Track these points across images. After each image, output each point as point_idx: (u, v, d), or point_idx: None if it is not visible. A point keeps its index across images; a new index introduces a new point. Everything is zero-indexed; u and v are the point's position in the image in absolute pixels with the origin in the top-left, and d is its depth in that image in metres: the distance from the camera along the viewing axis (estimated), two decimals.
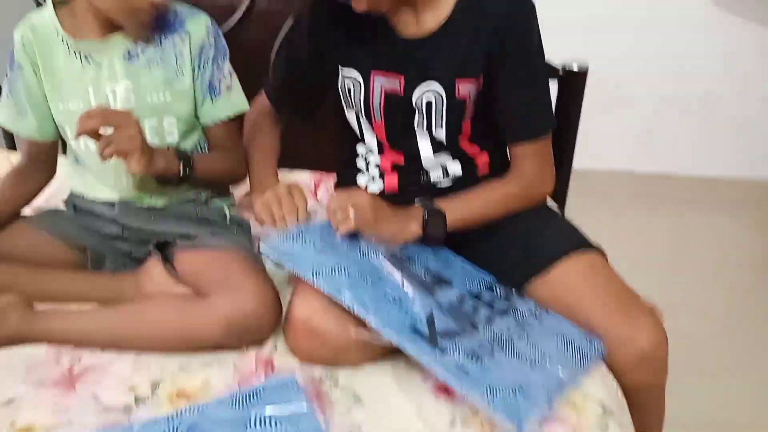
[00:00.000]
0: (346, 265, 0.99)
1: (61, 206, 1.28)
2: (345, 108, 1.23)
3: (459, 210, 1.12)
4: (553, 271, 1.09)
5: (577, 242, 1.13)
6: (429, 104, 1.13)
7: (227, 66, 1.18)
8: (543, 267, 1.09)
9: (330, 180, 1.55)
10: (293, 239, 1.03)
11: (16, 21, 1.14)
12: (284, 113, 1.31)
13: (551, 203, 1.46)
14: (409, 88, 1.13)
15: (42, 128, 1.17)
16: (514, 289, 1.10)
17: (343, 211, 1.04)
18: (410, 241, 1.10)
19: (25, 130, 1.17)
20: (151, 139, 1.13)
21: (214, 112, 1.18)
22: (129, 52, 1.12)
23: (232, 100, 1.19)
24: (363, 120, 1.21)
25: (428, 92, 1.13)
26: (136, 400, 0.94)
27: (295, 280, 1.09)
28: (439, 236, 1.11)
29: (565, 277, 1.08)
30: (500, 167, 1.23)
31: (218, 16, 1.56)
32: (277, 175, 1.25)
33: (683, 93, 2.53)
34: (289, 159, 1.60)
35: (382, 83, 1.14)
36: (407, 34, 1.11)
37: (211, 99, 1.17)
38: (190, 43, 1.13)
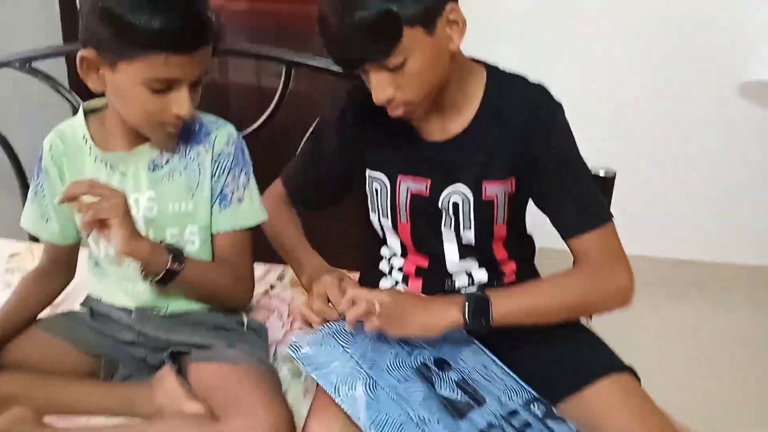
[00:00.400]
0: (370, 377, 0.98)
1: (77, 308, 1.27)
2: (370, 210, 1.21)
3: (509, 299, 1.04)
4: (587, 392, 1.05)
5: (612, 364, 1.08)
6: (456, 205, 1.12)
7: (244, 179, 1.17)
8: (578, 387, 1.05)
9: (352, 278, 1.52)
10: (322, 342, 1.03)
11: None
12: (297, 204, 1.30)
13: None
14: (435, 190, 1.12)
15: (63, 233, 1.18)
16: (554, 408, 1.04)
17: (366, 303, 1.01)
18: (448, 330, 1.03)
19: (46, 234, 1.18)
20: None
21: (219, 221, 1.16)
22: (154, 162, 1.12)
23: (239, 214, 1.17)
24: (387, 222, 1.19)
25: (455, 194, 1.11)
26: None
27: (314, 393, 1.08)
28: (483, 328, 1.02)
29: (600, 399, 1.04)
30: (527, 276, 1.20)
31: (246, 117, 1.61)
32: (318, 255, 1.25)
33: (706, 180, 2.52)
34: None
35: (409, 185, 1.13)
36: (432, 138, 1.11)
37: (220, 207, 1.15)
38: (212, 152, 1.13)
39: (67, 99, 1.63)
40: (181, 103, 1.01)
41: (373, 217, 1.21)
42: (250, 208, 1.17)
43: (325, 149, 1.22)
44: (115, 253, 1.03)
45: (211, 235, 1.18)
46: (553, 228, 1.13)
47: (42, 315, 1.23)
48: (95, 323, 1.21)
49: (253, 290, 1.24)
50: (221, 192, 1.15)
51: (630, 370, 1.09)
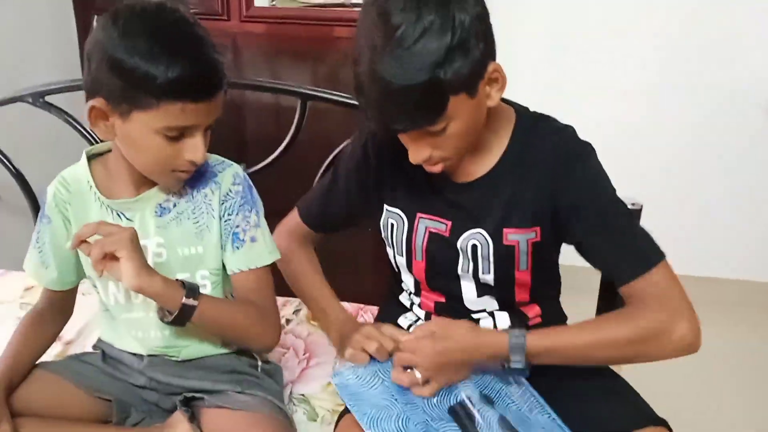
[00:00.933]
0: (404, 413, 1.00)
1: (89, 346, 1.25)
2: (387, 244, 1.18)
3: (548, 339, 1.00)
4: None
5: (647, 416, 1.03)
6: (474, 247, 1.08)
7: (254, 218, 1.13)
8: None
9: (368, 313, 1.49)
10: (363, 374, 1.08)
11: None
12: (312, 228, 1.29)
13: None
14: (455, 232, 1.09)
15: (62, 279, 1.15)
16: None
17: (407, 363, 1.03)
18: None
19: (45, 280, 1.16)
20: None
21: (234, 261, 1.13)
22: (161, 207, 1.10)
23: (254, 253, 1.13)
24: (402, 260, 1.16)
25: (474, 238, 1.08)
26: None
27: None
28: (522, 371, 1.02)
29: None
30: (552, 318, 1.16)
31: (261, 148, 1.59)
32: (344, 308, 1.28)
33: (732, 197, 2.48)
34: None
35: (428, 225, 1.10)
36: (456, 180, 1.08)
37: (233, 248, 1.12)
38: (219, 193, 1.11)
39: (82, 134, 1.62)
40: (196, 149, 0.99)
41: (390, 252, 1.19)
42: (264, 246, 1.14)
43: (343, 182, 1.20)
44: (126, 288, 1.01)
45: (225, 277, 1.15)
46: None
47: (52, 356, 1.21)
48: (107, 366, 1.18)
49: (279, 326, 1.19)
50: (233, 232, 1.12)
51: (664, 423, 1.04)
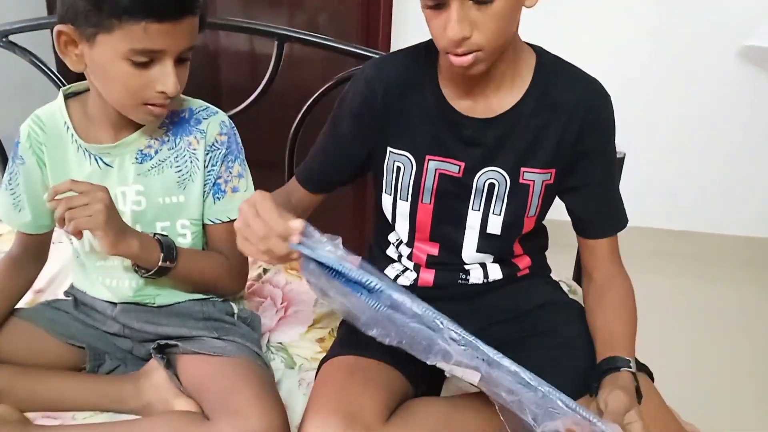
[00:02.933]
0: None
1: (60, 295, 1.22)
2: (383, 191, 1.14)
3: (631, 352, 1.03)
4: (601, 393, 0.99)
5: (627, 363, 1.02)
6: (491, 186, 1.07)
7: (237, 167, 1.11)
8: (581, 394, 1.00)
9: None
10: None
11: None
12: (307, 186, 1.19)
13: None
14: (469, 171, 1.07)
15: (36, 223, 1.11)
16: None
17: None
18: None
19: (18, 223, 1.12)
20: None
21: (213, 211, 1.11)
22: (142, 152, 1.06)
23: (234, 203, 1.10)
24: (404, 205, 1.12)
25: (491, 176, 1.07)
26: None
27: (311, 389, 1.03)
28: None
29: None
30: (539, 269, 1.19)
31: (236, 95, 1.54)
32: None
33: (709, 149, 2.49)
34: None
35: (438, 166, 1.07)
36: (474, 115, 1.04)
37: (213, 198, 1.10)
38: (204, 143, 1.07)
39: (49, 75, 1.55)
40: (165, 78, 0.95)
41: (387, 199, 1.14)
42: (245, 196, 1.11)
43: (346, 126, 1.13)
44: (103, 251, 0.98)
45: (203, 225, 1.12)
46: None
47: (23, 304, 1.18)
48: (79, 313, 1.16)
49: (246, 276, 1.20)
50: (215, 183, 1.09)
51: (644, 369, 1.06)
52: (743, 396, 1.87)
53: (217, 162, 1.09)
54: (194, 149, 1.07)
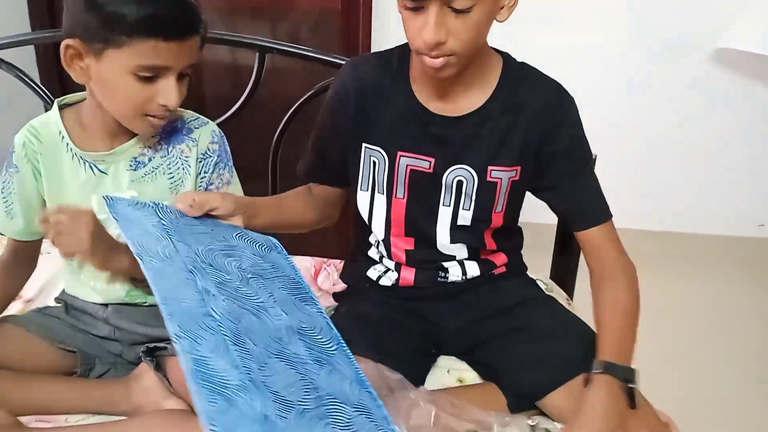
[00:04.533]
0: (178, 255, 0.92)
1: (51, 303, 1.25)
2: (358, 188, 1.18)
3: (622, 352, 1.04)
4: (570, 384, 1.05)
5: (594, 352, 1.07)
6: (460, 183, 1.11)
7: (227, 174, 1.16)
8: (561, 382, 1.05)
9: (331, 266, 1.51)
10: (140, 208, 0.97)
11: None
12: (315, 182, 1.26)
13: (559, 291, 1.43)
14: (439, 168, 1.11)
15: (28, 230, 1.14)
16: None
17: None
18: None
19: (11, 231, 1.15)
20: None
21: None
22: (136, 160, 1.10)
23: None
24: (381, 199, 1.16)
25: (460, 173, 1.11)
26: None
27: None
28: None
29: (582, 390, 1.03)
30: (516, 267, 1.23)
31: (219, 105, 1.58)
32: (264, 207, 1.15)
33: (683, 149, 2.54)
34: (292, 245, 1.57)
35: (408, 162, 1.12)
36: (443, 113, 1.09)
37: None
38: (197, 151, 1.12)
39: (36, 91, 1.58)
40: (168, 93, 0.99)
41: (363, 196, 1.18)
42: None
43: (327, 128, 1.19)
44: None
45: None
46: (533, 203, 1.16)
47: (13, 311, 1.20)
48: (70, 318, 1.19)
49: None
50: (206, 189, 1.14)
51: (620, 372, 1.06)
52: (725, 393, 1.90)
53: (209, 169, 1.13)
54: (186, 157, 1.12)
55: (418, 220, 1.16)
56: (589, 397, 0.98)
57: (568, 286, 1.47)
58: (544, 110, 1.08)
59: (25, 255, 1.18)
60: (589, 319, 1.14)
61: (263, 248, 1.04)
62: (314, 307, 0.96)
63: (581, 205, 1.14)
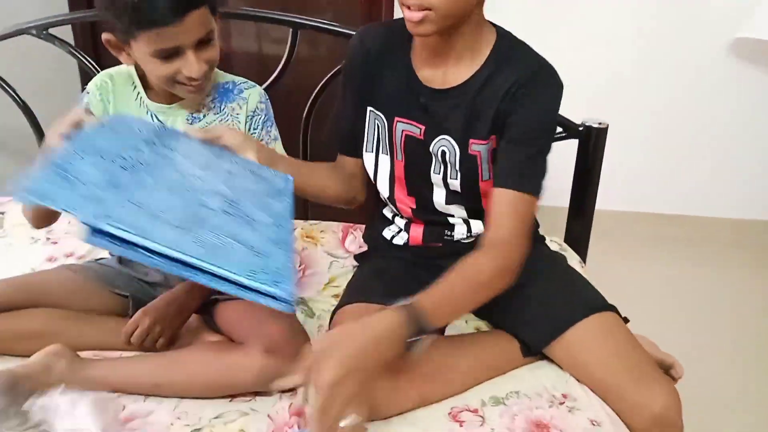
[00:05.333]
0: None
1: (106, 254, 1.37)
2: (364, 150, 1.26)
3: (438, 310, 1.00)
4: (569, 334, 1.12)
5: (593, 304, 1.16)
6: (443, 153, 1.17)
7: (274, 131, 1.29)
8: (561, 332, 1.12)
9: (357, 231, 1.61)
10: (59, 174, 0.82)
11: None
12: (349, 153, 1.31)
13: (572, 253, 1.51)
14: (428, 136, 1.17)
15: None
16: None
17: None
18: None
19: None
20: None
21: None
22: (192, 115, 1.23)
23: None
24: (385, 159, 1.24)
25: (443, 145, 1.17)
26: None
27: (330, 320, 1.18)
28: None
29: (581, 340, 1.11)
30: None
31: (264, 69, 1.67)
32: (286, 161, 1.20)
33: (701, 138, 2.59)
34: (319, 212, 1.67)
35: (404, 128, 1.19)
36: (431, 85, 1.15)
37: None
38: (246, 108, 1.25)
39: (85, 64, 1.69)
40: (189, 66, 1.11)
41: (369, 157, 1.26)
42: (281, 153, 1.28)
43: (348, 96, 1.27)
44: None
45: None
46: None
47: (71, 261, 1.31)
48: (123, 268, 1.30)
49: None
50: None
51: (613, 309, 1.16)
52: (734, 378, 1.92)
53: (258, 125, 1.26)
54: (237, 114, 1.25)
55: (416, 181, 1.23)
56: (371, 318, 0.95)
57: (581, 249, 1.55)
58: (517, 84, 1.08)
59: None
60: (602, 281, 1.20)
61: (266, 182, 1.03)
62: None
63: (509, 165, 1.11)
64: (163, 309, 1.16)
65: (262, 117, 1.27)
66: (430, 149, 1.18)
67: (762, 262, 2.54)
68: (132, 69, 1.22)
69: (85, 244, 1.31)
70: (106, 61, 1.16)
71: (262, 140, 1.26)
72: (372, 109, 1.22)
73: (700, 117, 2.56)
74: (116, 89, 1.23)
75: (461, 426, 1.03)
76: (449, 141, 1.16)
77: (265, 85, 1.64)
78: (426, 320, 0.96)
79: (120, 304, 1.25)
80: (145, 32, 1.05)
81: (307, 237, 1.61)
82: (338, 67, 1.57)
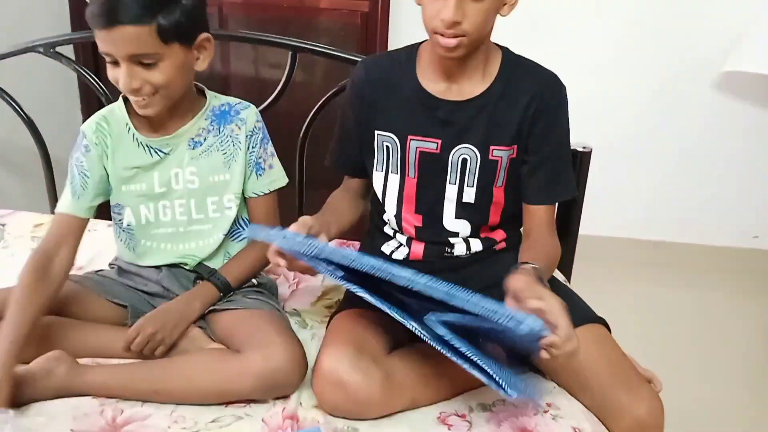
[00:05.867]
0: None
1: (105, 267, 1.40)
2: (374, 170, 1.32)
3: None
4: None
5: (583, 316, 1.21)
6: (464, 161, 1.25)
7: (270, 148, 1.34)
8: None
9: (351, 247, 1.65)
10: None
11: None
12: (346, 173, 1.41)
13: (557, 273, 1.56)
14: (446, 148, 1.25)
15: (91, 208, 1.27)
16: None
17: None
18: None
19: (75, 208, 1.25)
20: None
21: (257, 186, 1.33)
22: (193, 140, 1.28)
23: (272, 177, 1.34)
24: (395, 178, 1.29)
25: (464, 153, 1.24)
26: None
27: (324, 335, 1.21)
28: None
29: None
30: (515, 244, 1.33)
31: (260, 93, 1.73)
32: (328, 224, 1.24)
33: (685, 166, 2.65)
34: None
35: (418, 145, 1.26)
36: (448, 98, 1.23)
37: (256, 175, 1.32)
38: (245, 129, 1.30)
39: (89, 80, 1.74)
40: (120, 78, 1.14)
41: (378, 176, 1.32)
42: (279, 171, 1.36)
43: (348, 120, 1.34)
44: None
45: (243, 199, 1.33)
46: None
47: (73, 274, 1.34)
48: (122, 278, 1.34)
49: None
50: (256, 162, 1.31)
51: (602, 323, 1.22)
52: (718, 401, 1.96)
53: (256, 144, 1.31)
54: (236, 135, 1.30)
55: (428, 197, 1.29)
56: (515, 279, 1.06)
57: (565, 272, 1.60)
58: (539, 95, 1.22)
59: (71, 237, 1.24)
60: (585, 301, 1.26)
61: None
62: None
63: (546, 183, 1.26)
64: (163, 318, 1.20)
65: (260, 135, 1.32)
66: (449, 160, 1.25)
67: (739, 287, 2.59)
68: (122, 109, 1.25)
69: (84, 255, 1.37)
70: (106, 76, 1.18)
71: (260, 157, 1.31)
72: (380, 132, 1.29)
73: (684, 146, 2.62)
74: (112, 130, 1.26)
75: (449, 429, 1.08)
76: (470, 149, 1.24)
77: (262, 107, 1.71)
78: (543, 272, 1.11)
79: (118, 313, 1.29)
80: (94, 30, 1.11)
81: None
82: (334, 89, 1.64)
